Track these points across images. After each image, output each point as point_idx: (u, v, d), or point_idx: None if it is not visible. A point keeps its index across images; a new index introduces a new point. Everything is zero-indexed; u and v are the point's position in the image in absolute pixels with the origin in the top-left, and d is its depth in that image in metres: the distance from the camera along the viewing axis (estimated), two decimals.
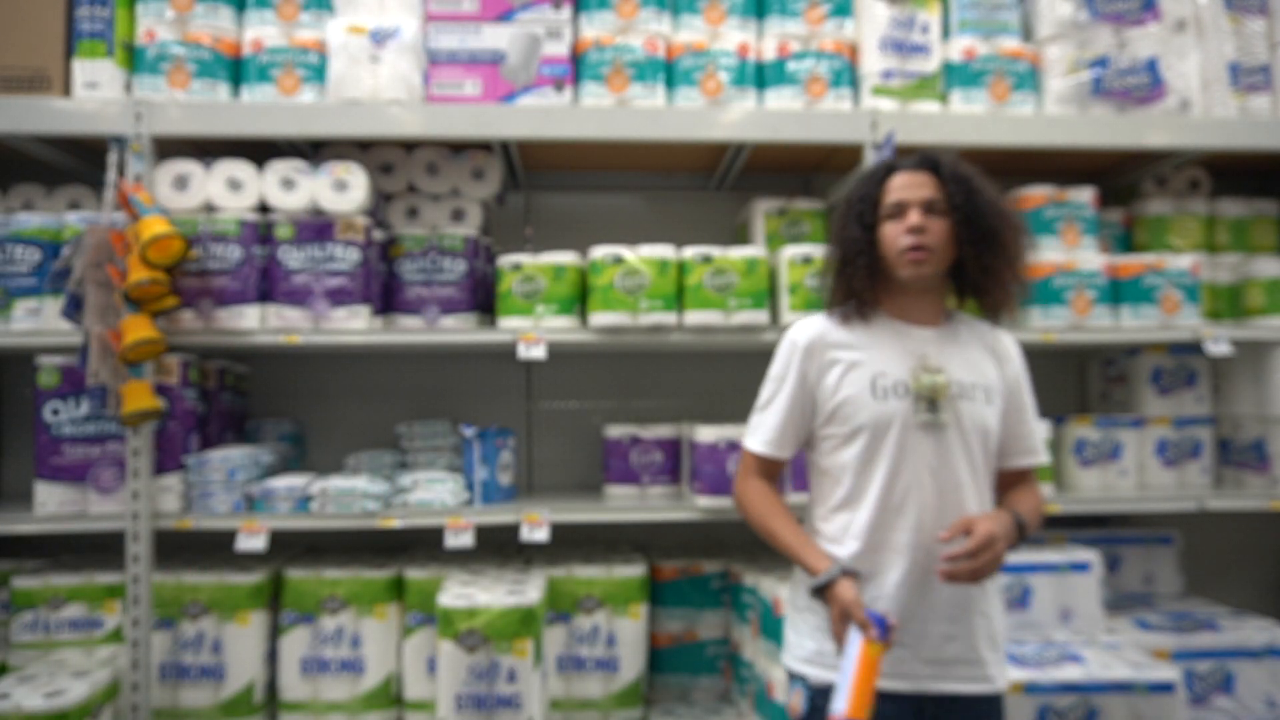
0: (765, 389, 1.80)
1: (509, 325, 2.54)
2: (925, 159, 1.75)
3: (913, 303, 1.75)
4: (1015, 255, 1.73)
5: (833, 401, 1.72)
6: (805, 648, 1.73)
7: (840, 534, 1.71)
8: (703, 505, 2.50)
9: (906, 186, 1.71)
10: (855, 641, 1.53)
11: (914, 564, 1.65)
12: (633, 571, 2.53)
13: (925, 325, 1.75)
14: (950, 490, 1.67)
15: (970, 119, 2.61)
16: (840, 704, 1.48)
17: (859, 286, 1.74)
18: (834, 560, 1.65)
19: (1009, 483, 1.81)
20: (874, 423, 1.68)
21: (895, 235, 1.70)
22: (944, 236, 1.69)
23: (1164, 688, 2.19)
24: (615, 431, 2.72)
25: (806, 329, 1.78)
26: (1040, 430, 1.84)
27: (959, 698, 1.66)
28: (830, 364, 1.73)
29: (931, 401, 1.68)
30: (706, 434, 2.51)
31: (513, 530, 2.53)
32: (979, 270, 1.71)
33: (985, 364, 1.75)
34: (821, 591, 1.63)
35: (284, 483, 2.46)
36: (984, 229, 1.69)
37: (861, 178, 1.78)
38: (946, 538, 1.61)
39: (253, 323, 2.46)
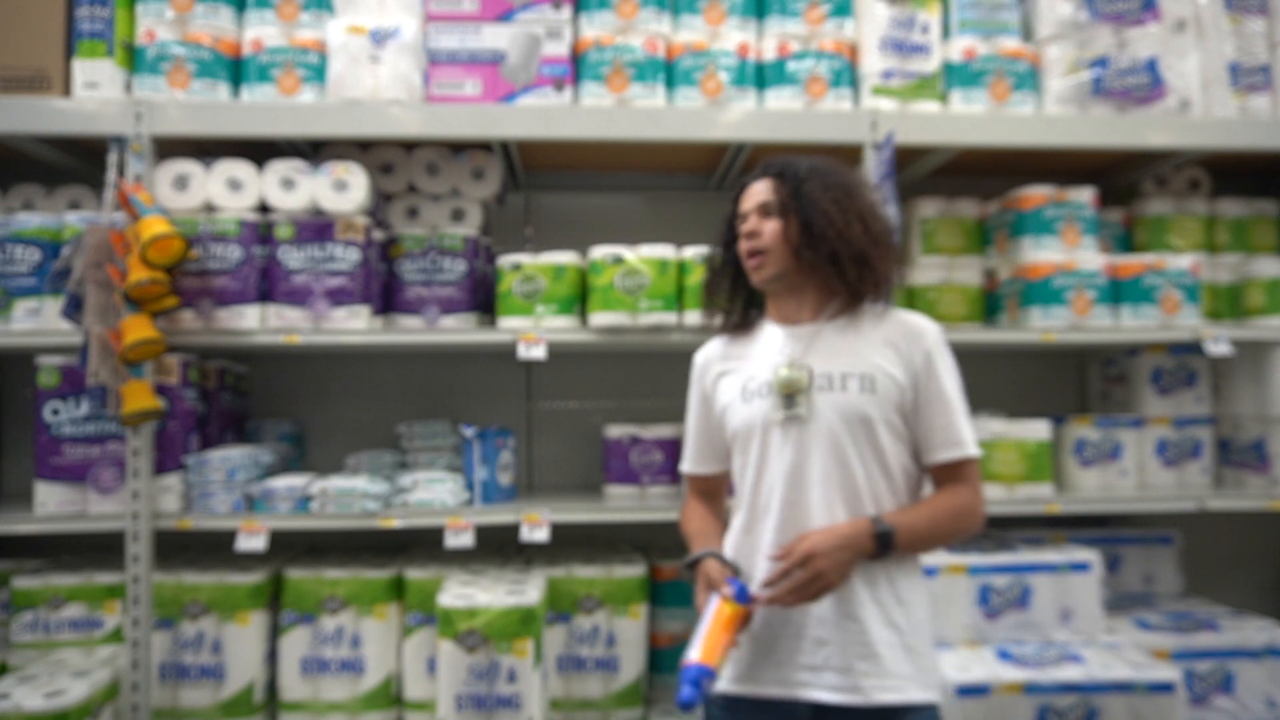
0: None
1: (509, 325, 2.54)
2: (770, 165, 1.77)
3: (785, 304, 1.74)
4: (855, 240, 1.66)
5: (718, 412, 1.77)
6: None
7: (732, 538, 1.74)
8: None
9: (747, 197, 1.75)
10: (713, 602, 1.57)
11: (777, 567, 1.59)
12: (633, 571, 2.53)
13: (802, 323, 1.72)
14: (804, 490, 1.63)
15: (970, 119, 2.61)
16: (693, 653, 1.49)
17: (723, 303, 1.82)
18: (705, 557, 1.69)
19: (939, 481, 1.71)
20: (744, 426, 1.70)
21: (742, 242, 1.74)
22: (776, 237, 1.68)
23: (1164, 688, 2.20)
24: (615, 431, 2.72)
25: (704, 350, 1.85)
26: (965, 421, 1.68)
27: (833, 708, 1.58)
28: (718, 377, 1.78)
29: (789, 397, 1.64)
30: None
31: (513, 530, 2.53)
32: (826, 260, 1.66)
33: (873, 352, 1.66)
34: (693, 571, 1.68)
35: (284, 483, 2.46)
36: (809, 221, 1.66)
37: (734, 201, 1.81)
38: (777, 557, 1.57)
39: (253, 323, 2.46)
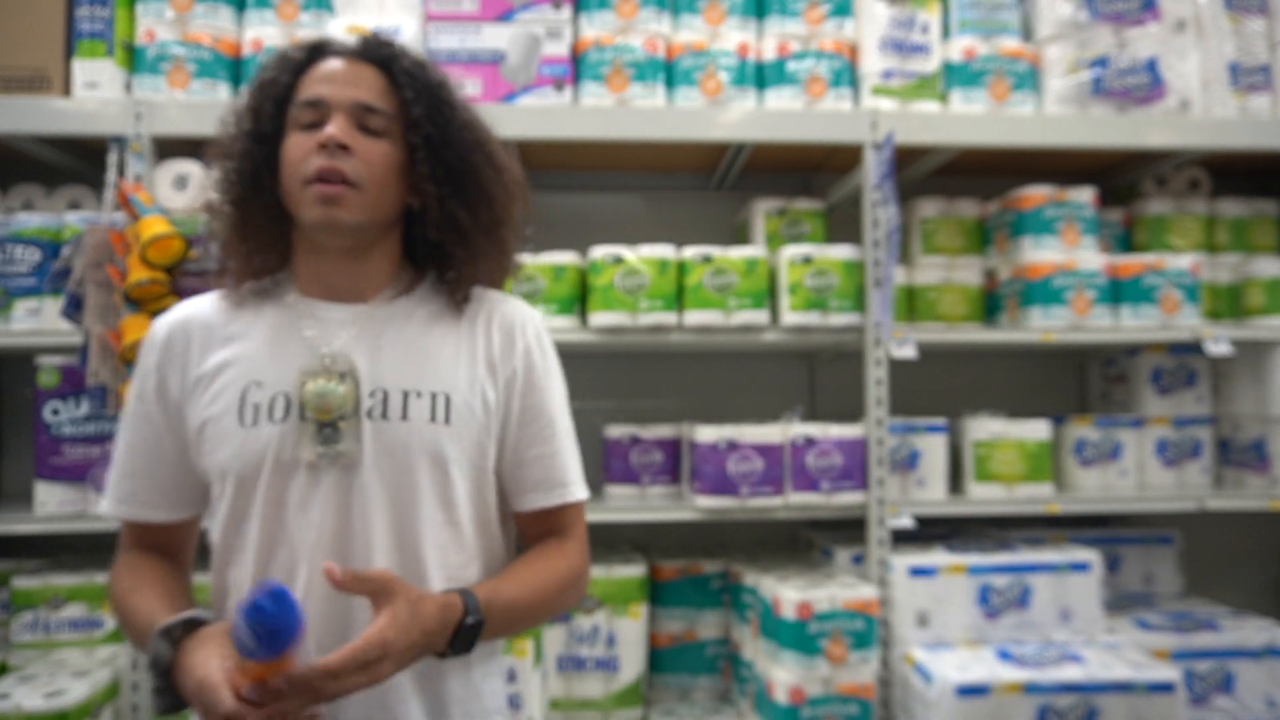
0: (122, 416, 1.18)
1: None
2: (373, 44, 1.16)
3: (336, 268, 1.15)
4: (502, 209, 1.19)
5: (191, 428, 1.14)
6: None
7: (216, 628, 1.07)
8: (703, 505, 2.50)
9: (333, 79, 1.11)
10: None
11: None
12: (633, 571, 2.53)
13: (358, 300, 1.17)
14: (349, 565, 1.06)
15: (970, 119, 2.61)
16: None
17: (243, 243, 1.15)
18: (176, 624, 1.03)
19: (532, 533, 1.24)
20: (240, 463, 1.09)
21: (301, 153, 1.09)
22: (386, 166, 1.12)
23: (1164, 688, 2.19)
24: (615, 431, 2.72)
25: (176, 314, 1.18)
26: (573, 452, 1.25)
27: None
28: (199, 369, 1.13)
29: (326, 424, 1.09)
30: (706, 434, 2.51)
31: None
32: (444, 225, 1.15)
33: (453, 359, 1.16)
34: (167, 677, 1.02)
35: None
36: (457, 164, 1.15)
37: (273, 60, 1.16)
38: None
39: None
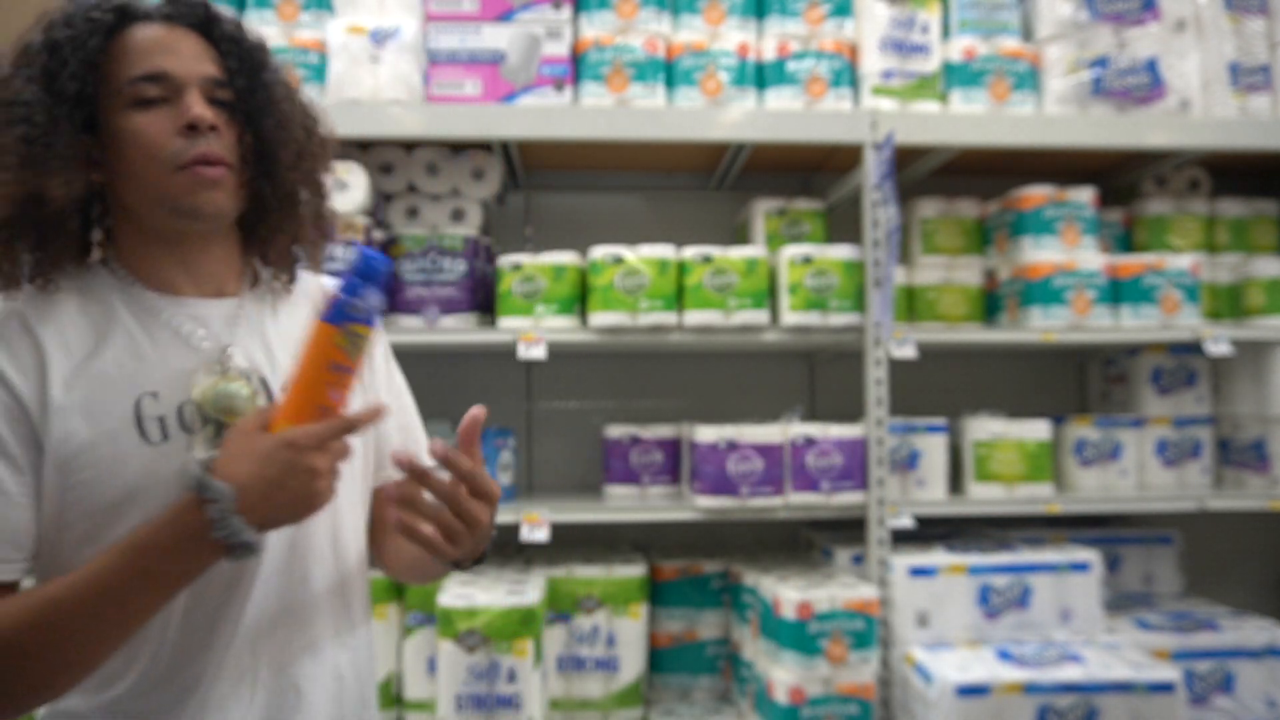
0: None
1: (509, 325, 2.54)
2: (188, 5, 1.04)
3: (198, 259, 1.05)
4: (324, 181, 1.13)
5: (58, 457, 0.93)
6: None
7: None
8: (703, 505, 2.50)
9: (171, 50, 1.00)
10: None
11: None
12: (633, 571, 2.53)
13: (220, 295, 1.07)
14: (303, 593, 1.03)
15: (970, 119, 2.61)
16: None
17: (47, 228, 0.97)
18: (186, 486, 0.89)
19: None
20: (158, 484, 0.94)
21: (162, 134, 0.98)
22: (242, 143, 1.04)
23: (1164, 688, 2.20)
24: (615, 431, 2.72)
25: None
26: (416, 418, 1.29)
27: None
28: (36, 372, 0.94)
29: (225, 425, 0.97)
30: (706, 434, 2.51)
31: (513, 530, 2.53)
32: (284, 203, 1.08)
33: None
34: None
35: None
36: (286, 136, 1.07)
37: (65, 18, 0.98)
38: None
39: None
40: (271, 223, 1.08)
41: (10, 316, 0.94)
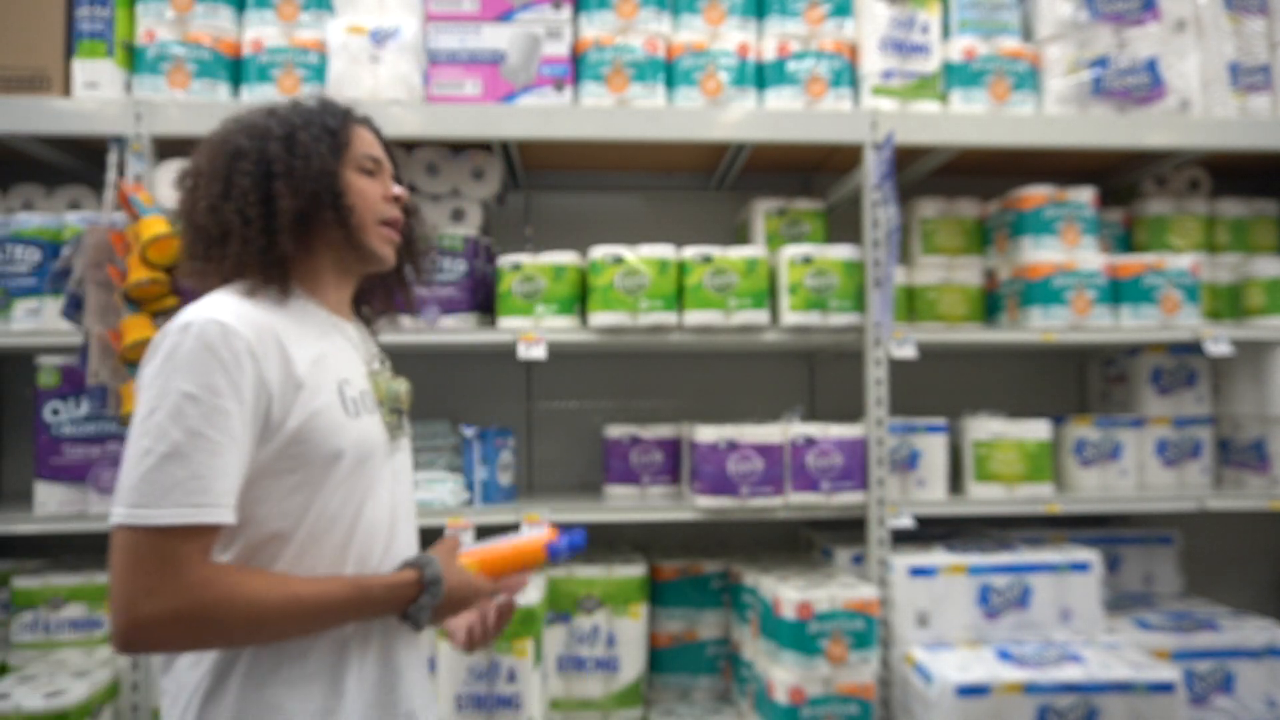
0: (174, 420, 1.11)
1: (509, 325, 2.54)
2: (376, 128, 1.43)
3: (343, 292, 1.39)
4: (423, 262, 1.55)
5: (292, 421, 1.19)
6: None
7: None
8: (703, 505, 2.50)
9: (375, 146, 1.39)
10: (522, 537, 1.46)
11: None
12: (633, 571, 2.53)
13: (345, 319, 1.39)
14: (408, 528, 1.39)
15: (970, 119, 2.61)
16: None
17: (312, 250, 1.32)
18: (416, 565, 1.27)
19: None
20: (359, 448, 1.25)
21: (378, 197, 1.35)
22: None
23: (1164, 688, 2.20)
24: (615, 431, 2.72)
25: (234, 311, 1.19)
26: None
27: None
28: (284, 363, 1.20)
29: (396, 412, 1.37)
30: (706, 434, 2.51)
31: (513, 530, 2.52)
32: (407, 268, 1.50)
33: None
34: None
35: None
36: (419, 224, 1.51)
37: (315, 108, 1.36)
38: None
39: None
40: (390, 282, 1.47)
41: (266, 331, 1.20)
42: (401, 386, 1.40)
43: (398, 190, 1.38)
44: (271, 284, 1.26)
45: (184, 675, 1.20)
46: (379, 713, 1.26)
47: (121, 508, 1.08)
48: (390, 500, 1.32)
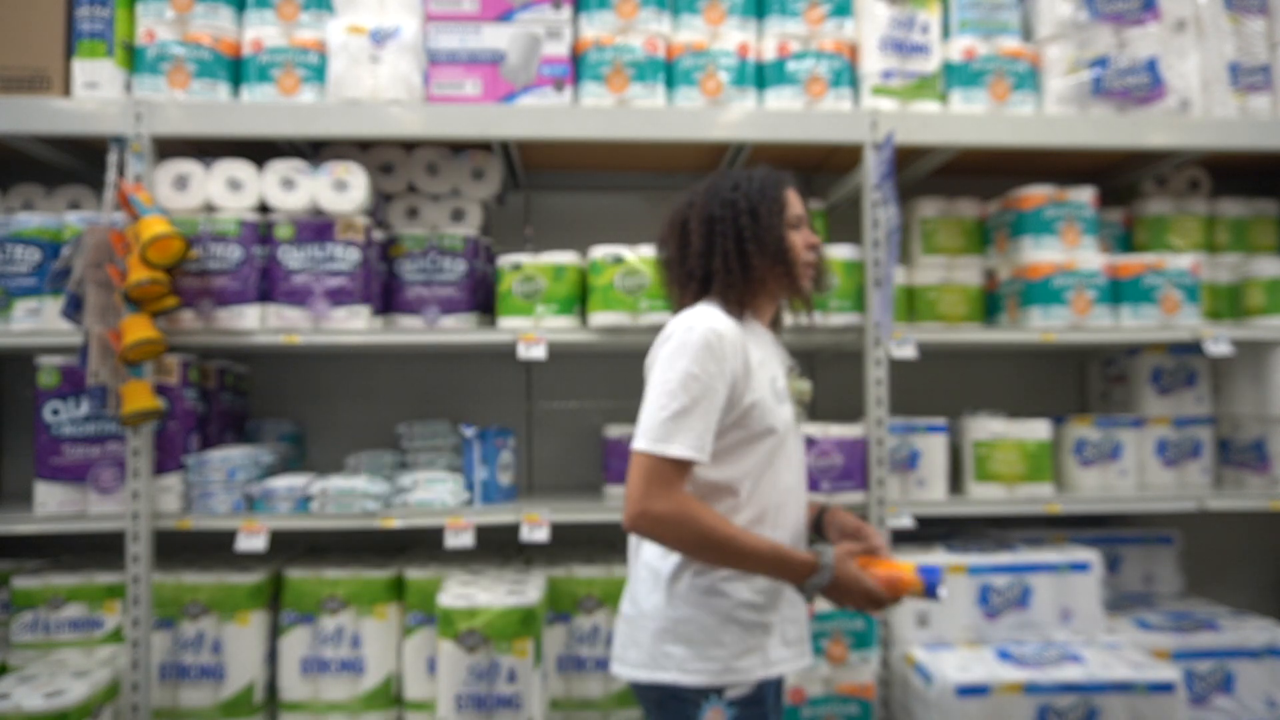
0: (683, 388, 1.59)
1: (509, 325, 2.54)
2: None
3: (771, 309, 1.82)
4: None
5: (746, 402, 1.64)
6: (716, 658, 1.63)
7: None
8: None
9: (799, 204, 1.78)
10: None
11: None
12: None
13: (768, 331, 1.83)
14: (802, 498, 1.78)
15: (970, 119, 2.61)
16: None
17: (762, 287, 1.75)
18: (816, 551, 1.62)
19: None
20: (783, 427, 1.69)
21: (803, 247, 1.77)
22: None
23: (1164, 688, 2.20)
24: (615, 431, 2.72)
25: (723, 322, 1.66)
26: None
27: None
28: (745, 361, 1.65)
29: (802, 405, 1.78)
30: None
31: (513, 530, 2.53)
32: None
33: None
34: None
35: (284, 483, 2.46)
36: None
37: (764, 180, 1.77)
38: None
39: (253, 323, 2.46)
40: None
41: (739, 338, 1.64)
42: (805, 385, 1.79)
43: (815, 238, 1.78)
44: (733, 306, 1.71)
45: (655, 562, 1.67)
46: (793, 610, 1.69)
47: (644, 440, 1.57)
48: (795, 468, 1.73)
